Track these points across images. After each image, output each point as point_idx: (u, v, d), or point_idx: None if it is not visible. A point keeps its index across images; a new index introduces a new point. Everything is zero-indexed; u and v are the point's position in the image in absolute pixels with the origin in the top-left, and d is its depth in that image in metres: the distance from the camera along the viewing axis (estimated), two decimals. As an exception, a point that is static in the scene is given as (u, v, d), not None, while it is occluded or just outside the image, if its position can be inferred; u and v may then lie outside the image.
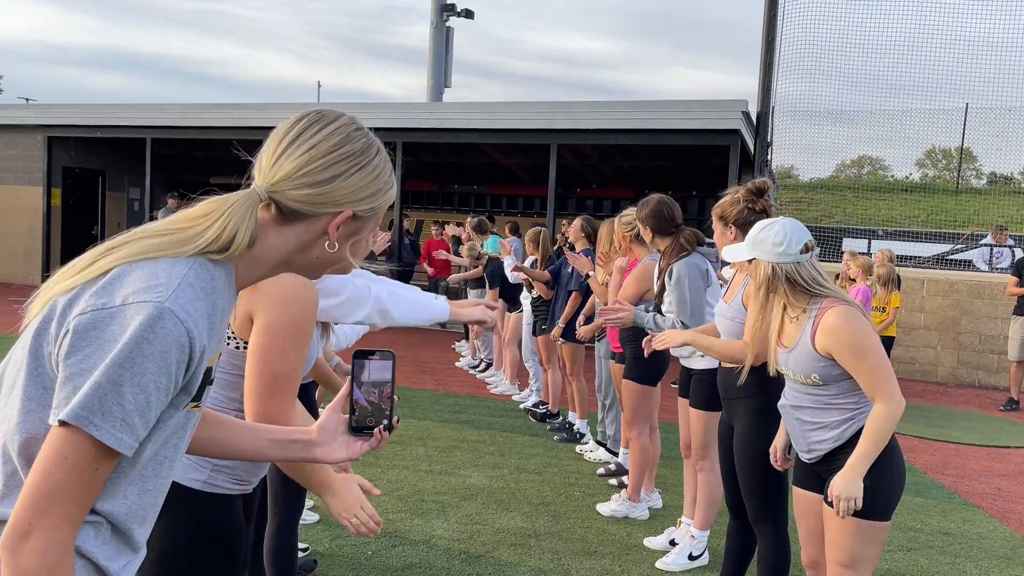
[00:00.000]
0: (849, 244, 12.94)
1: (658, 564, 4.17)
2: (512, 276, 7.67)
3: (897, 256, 12.53)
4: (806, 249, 2.67)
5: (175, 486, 1.82)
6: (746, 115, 11.22)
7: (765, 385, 3.16)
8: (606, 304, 5.77)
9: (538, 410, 7.33)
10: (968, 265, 12.83)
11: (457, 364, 9.90)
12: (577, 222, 6.37)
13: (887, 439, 2.59)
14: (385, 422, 1.45)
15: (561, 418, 7.07)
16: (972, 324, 10.99)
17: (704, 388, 3.91)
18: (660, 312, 4.04)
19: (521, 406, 7.71)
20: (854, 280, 8.75)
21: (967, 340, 11.00)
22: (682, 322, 3.85)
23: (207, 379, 1.24)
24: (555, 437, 6.62)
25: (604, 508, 4.92)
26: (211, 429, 1.46)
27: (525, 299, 7.56)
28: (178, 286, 1.11)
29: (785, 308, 2.74)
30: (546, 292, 6.84)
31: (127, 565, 1.24)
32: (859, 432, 2.62)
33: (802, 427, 2.73)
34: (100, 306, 1.08)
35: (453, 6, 19.00)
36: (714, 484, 3.97)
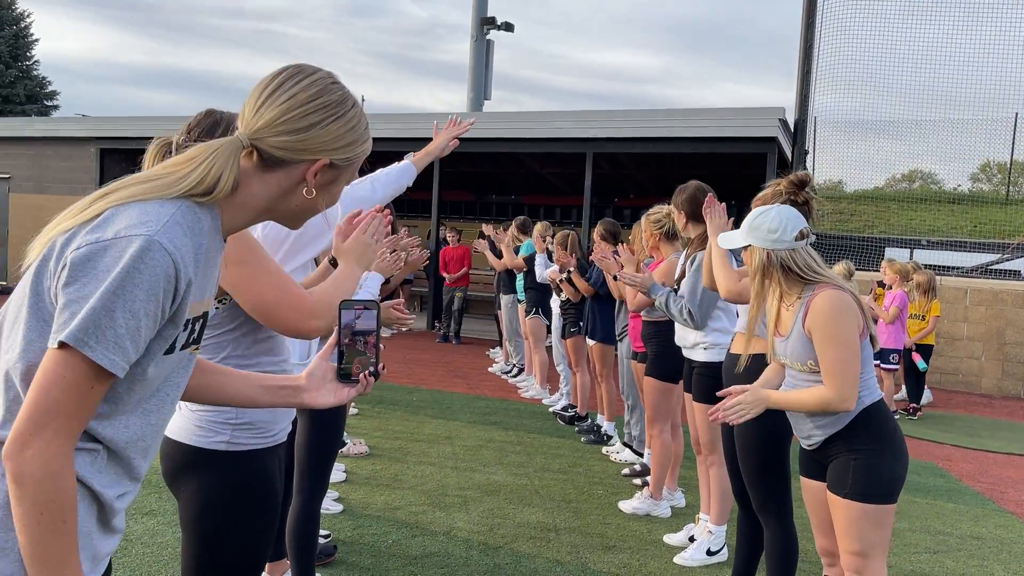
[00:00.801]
0: (891, 254, 12.74)
1: (676, 559, 4.16)
2: (540, 275, 7.72)
3: (940, 266, 12.29)
4: (801, 236, 2.69)
5: (201, 452, 1.91)
6: (783, 123, 11.15)
7: None
8: (623, 300, 5.80)
9: (566, 413, 7.36)
10: (1015, 275, 12.53)
11: (490, 370, 9.96)
12: (598, 227, 6.40)
13: (804, 409, 2.65)
14: (371, 369, 1.52)
15: (590, 421, 7.08)
16: (1018, 335, 10.73)
17: (706, 381, 3.90)
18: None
19: (550, 409, 7.74)
20: (890, 287, 8.62)
21: (1012, 351, 10.74)
22: (688, 310, 3.87)
23: (204, 321, 1.32)
24: (582, 439, 6.64)
25: (626, 505, 4.92)
26: (204, 376, 1.55)
27: (554, 302, 7.60)
28: (166, 223, 1.20)
29: (781, 297, 2.75)
30: (573, 295, 6.88)
31: (122, 496, 1.32)
32: (857, 417, 2.63)
33: (800, 414, 2.74)
34: (94, 240, 1.17)
35: (493, 19, 19.20)
36: (725, 478, 3.96)
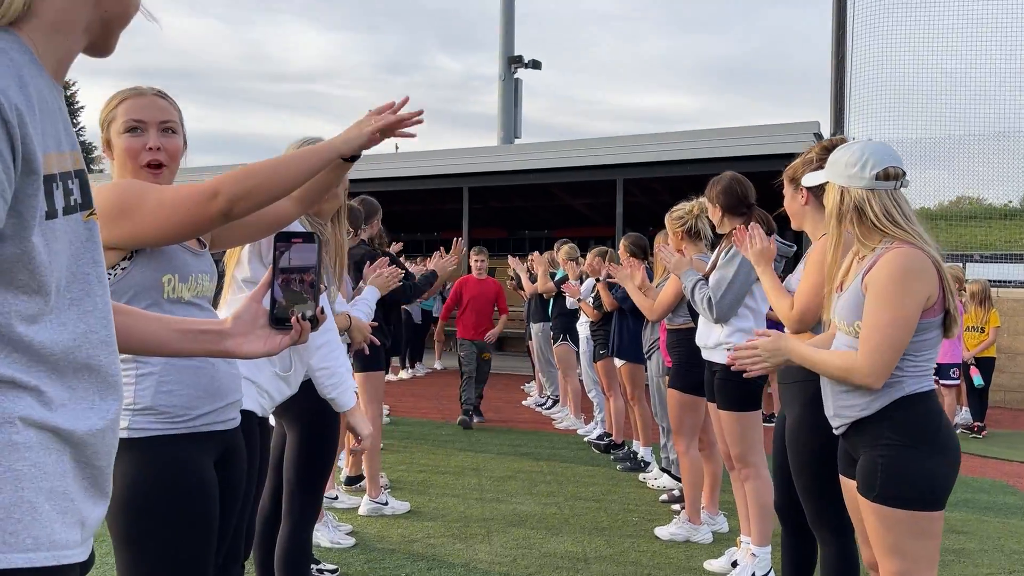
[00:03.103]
0: (941, 269, 12.16)
1: (717, 586, 3.76)
2: (570, 302, 7.42)
3: (997, 280, 11.67)
4: (886, 176, 2.24)
5: None
6: (818, 137, 10.78)
7: None
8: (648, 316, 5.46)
9: (602, 442, 6.97)
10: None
11: (524, 403, 9.62)
12: (623, 242, 6.09)
13: (825, 371, 2.30)
14: (308, 312, 1.32)
15: (626, 448, 6.69)
16: (1086, 347, 10.06)
17: (730, 387, 3.55)
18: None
19: (585, 439, 7.37)
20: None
21: (1081, 364, 10.06)
22: (708, 298, 3.53)
23: (82, 182, 1.09)
24: (618, 467, 6.25)
25: (663, 531, 4.53)
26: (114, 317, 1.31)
27: (582, 326, 7.28)
28: None
29: (857, 253, 2.34)
30: (594, 314, 6.57)
31: (101, 430, 1.07)
32: (892, 404, 2.22)
33: (834, 388, 2.34)
34: None
35: (520, 58, 19.24)
36: (763, 492, 3.58)
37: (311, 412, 2.86)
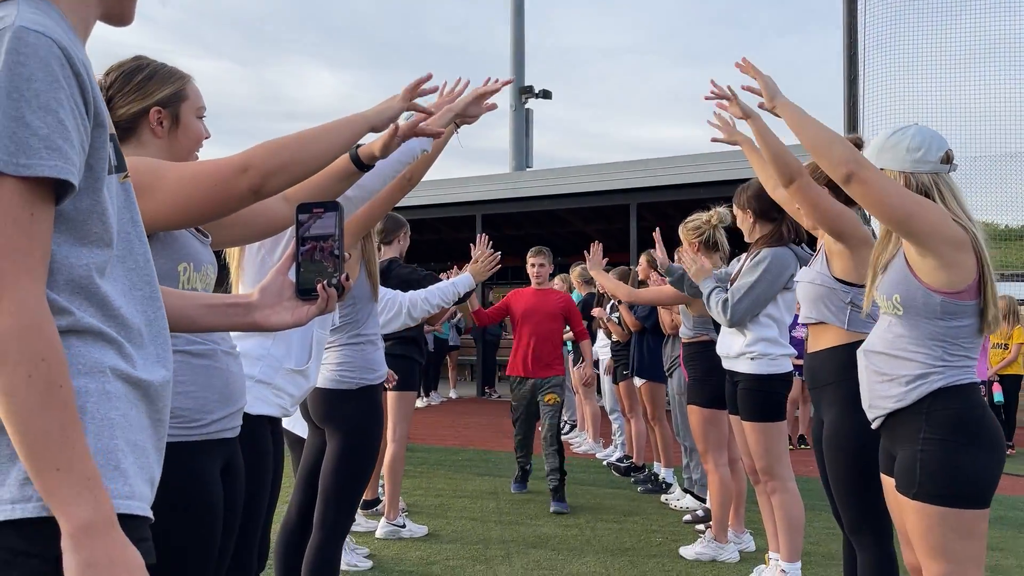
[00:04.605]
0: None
1: (747, 605, 3.64)
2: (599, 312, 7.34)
3: (1020, 300, 11.50)
4: (947, 159, 2.17)
5: None
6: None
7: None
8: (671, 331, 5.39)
9: (622, 464, 6.86)
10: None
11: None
12: (643, 258, 6.04)
13: (808, 135, 2.26)
14: (333, 280, 1.33)
15: (647, 471, 6.57)
16: (1113, 364, 9.85)
17: (754, 396, 3.47)
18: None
19: (604, 462, 7.25)
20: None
21: (1109, 382, 9.84)
22: (725, 300, 3.47)
23: (116, 146, 1.13)
24: (639, 489, 6.13)
25: (688, 551, 4.41)
26: None
27: (604, 348, 7.20)
28: (18, 12, 0.98)
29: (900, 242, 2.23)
30: (621, 333, 6.49)
31: (168, 381, 1.13)
32: (929, 396, 2.12)
33: (870, 377, 2.25)
34: None
35: (531, 88, 19.40)
36: (790, 505, 3.47)
37: (357, 420, 2.80)
